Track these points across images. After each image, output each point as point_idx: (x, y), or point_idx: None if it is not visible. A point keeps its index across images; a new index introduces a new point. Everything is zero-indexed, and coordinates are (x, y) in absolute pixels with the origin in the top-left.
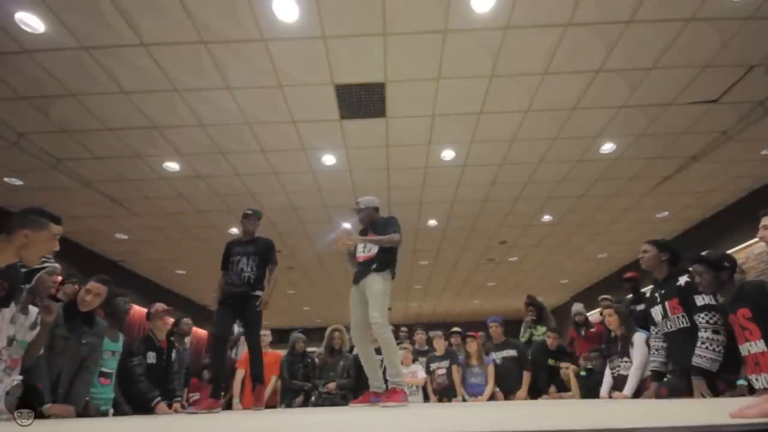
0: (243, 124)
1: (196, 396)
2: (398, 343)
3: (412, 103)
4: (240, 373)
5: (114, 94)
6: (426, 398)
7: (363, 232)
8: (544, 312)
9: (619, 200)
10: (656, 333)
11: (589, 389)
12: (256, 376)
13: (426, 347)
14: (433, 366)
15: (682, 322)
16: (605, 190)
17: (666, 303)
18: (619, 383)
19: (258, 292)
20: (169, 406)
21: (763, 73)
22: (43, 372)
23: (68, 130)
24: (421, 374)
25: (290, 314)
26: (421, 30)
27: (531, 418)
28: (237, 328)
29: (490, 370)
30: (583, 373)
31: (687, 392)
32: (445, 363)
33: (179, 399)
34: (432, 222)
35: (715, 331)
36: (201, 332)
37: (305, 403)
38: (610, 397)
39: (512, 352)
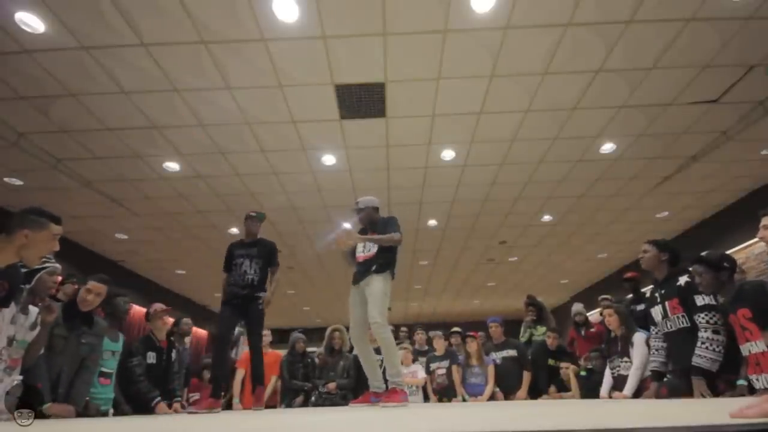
0: (243, 124)
1: (196, 396)
2: (398, 343)
3: (412, 103)
4: (240, 373)
5: (114, 94)
6: (426, 398)
7: (362, 232)
8: (544, 312)
9: (619, 200)
10: (656, 333)
11: (589, 389)
12: (257, 376)
13: (426, 347)
14: (433, 366)
15: (682, 322)
16: (605, 190)
17: (666, 303)
18: (619, 383)
19: (261, 294)
20: (169, 406)
21: (763, 73)
22: (42, 372)
23: (68, 130)
24: (421, 374)
25: (290, 314)
26: (421, 30)
27: (531, 418)
28: (237, 329)
29: (490, 370)
30: (583, 373)
31: (687, 392)
32: (445, 363)
33: (179, 399)
34: (432, 222)
35: (715, 331)
36: (201, 332)
37: (305, 403)
38: (610, 397)
39: (512, 352)
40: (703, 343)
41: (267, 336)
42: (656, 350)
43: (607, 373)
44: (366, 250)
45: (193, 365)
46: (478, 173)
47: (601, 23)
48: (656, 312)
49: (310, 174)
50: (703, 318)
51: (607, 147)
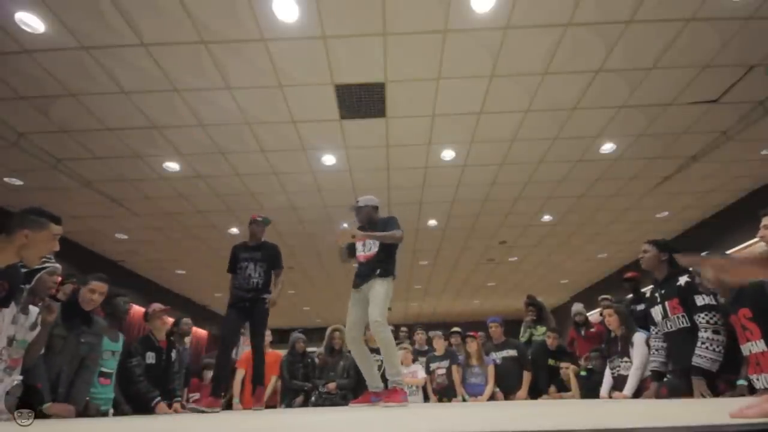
0: (243, 124)
1: (196, 396)
2: (398, 343)
3: (412, 103)
4: (240, 373)
5: (114, 94)
6: (426, 398)
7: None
8: (544, 312)
9: (619, 200)
10: (656, 333)
11: (589, 389)
12: (258, 376)
13: (426, 347)
14: (433, 366)
15: (682, 322)
16: (605, 190)
17: (666, 303)
18: (619, 383)
19: (266, 296)
20: (169, 406)
21: (763, 73)
22: (42, 372)
23: (68, 130)
24: (421, 374)
25: (290, 314)
26: (421, 30)
27: (531, 418)
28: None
29: (490, 370)
30: (583, 373)
31: (687, 392)
32: (445, 363)
33: (179, 399)
34: (432, 222)
35: (715, 331)
36: (201, 332)
37: (305, 403)
38: (610, 397)
39: (512, 352)
40: (703, 343)
41: (267, 336)
42: (656, 350)
43: (607, 373)
44: (367, 249)
45: (193, 365)
46: (478, 173)
47: (601, 23)
48: (656, 312)
49: (310, 174)
50: (703, 318)
51: (607, 147)
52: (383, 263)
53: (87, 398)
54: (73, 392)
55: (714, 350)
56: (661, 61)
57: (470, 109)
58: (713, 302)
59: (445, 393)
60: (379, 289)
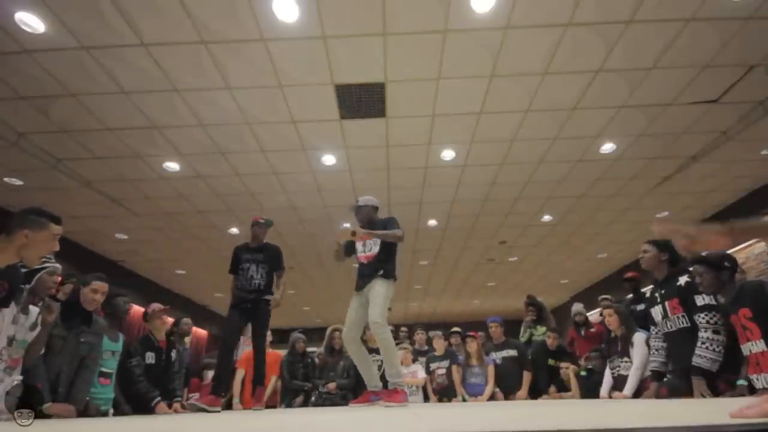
0: (243, 124)
1: (195, 396)
2: (398, 343)
3: (412, 103)
4: (240, 373)
5: (114, 94)
6: (426, 398)
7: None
8: (544, 312)
9: (619, 200)
10: (656, 333)
11: (589, 389)
12: (258, 377)
13: (426, 347)
14: (433, 366)
15: (682, 322)
16: (605, 190)
17: (666, 303)
18: (619, 383)
19: (268, 297)
20: (169, 406)
21: (763, 73)
22: (42, 372)
23: (68, 130)
24: (421, 374)
25: (290, 314)
26: (421, 30)
27: (531, 418)
28: None
29: (490, 370)
30: (583, 373)
31: (687, 392)
32: (445, 363)
33: (179, 399)
34: (432, 222)
35: (715, 331)
36: (201, 332)
37: (305, 403)
38: (610, 397)
39: (512, 352)
40: (703, 343)
41: (267, 336)
42: (656, 350)
43: (607, 373)
44: (367, 249)
45: (193, 365)
46: (478, 173)
47: (601, 23)
48: (656, 312)
49: (310, 174)
50: (703, 318)
51: (607, 147)
52: (384, 263)
53: (87, 398)
54: (73, 392)
55: (714, 350)
56: (661, 61)
57: (470, 109)
58: (713, 302)
59: (445, 393)
60: (379, 289)
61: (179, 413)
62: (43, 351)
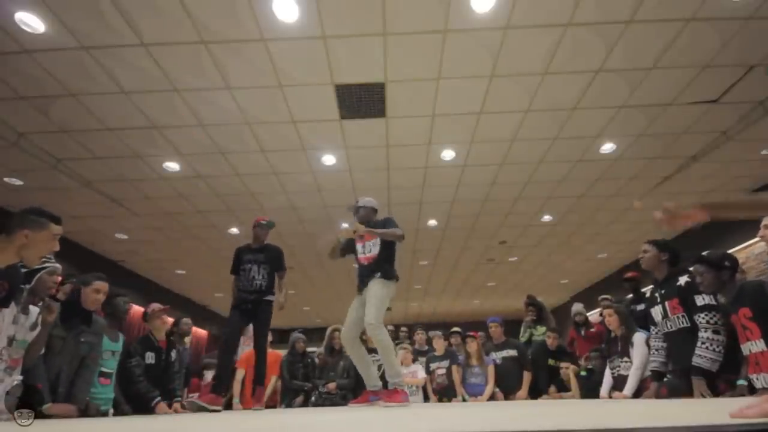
0: (243, 124)
1: (195, 396)
2: (398, 343)
3: (412, 103)
4: (240, 373)
5: (114, 94)
6: (426, 398)
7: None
8: (544, 312)
9: (619, 200)
10: (656, 333)
11: (589, 389)
12: (259, 376)
13: (426, 347)
14: (432, 366)
15: (682, 322)
16: (605, 190)
17: (666, 303)
18: (619, 383)
19: (269, 297)
20: (169, 406)
21: (763, 73)
22: (42, 372)
23: (68, 130)
24: (421, 374)
25: (290, 314)
26: (421, 30)
27: (531, 418)
28: None
29: (490, 370)
30: (583, 373)
31: (687, 392)
32: (445, 363)
33: (179, 399)
34: (432, 222)
35: (715, 331)
36: (201, 332)
37: (305, 403)
38: (610, 397)
39: (512, 352)
40: (703, 343)
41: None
42: (656, 350)
43: (607, 373)
44: (367, 250)
45: (193, 365)
46: (478, 173)
47: (601, 23)
48: (656, 312)
49: (310, 174)
50: (703, 318)
51: (607, 147)
52: (383, 264)
53: (87, 398)
54: (74, 391)
55: (714, 350)
56: (661, 61)
57: (470, 109)
58: (713, 302)
59: (445, 393)
60: (376, 290)
61: (179, 413)
62: (43, 351)
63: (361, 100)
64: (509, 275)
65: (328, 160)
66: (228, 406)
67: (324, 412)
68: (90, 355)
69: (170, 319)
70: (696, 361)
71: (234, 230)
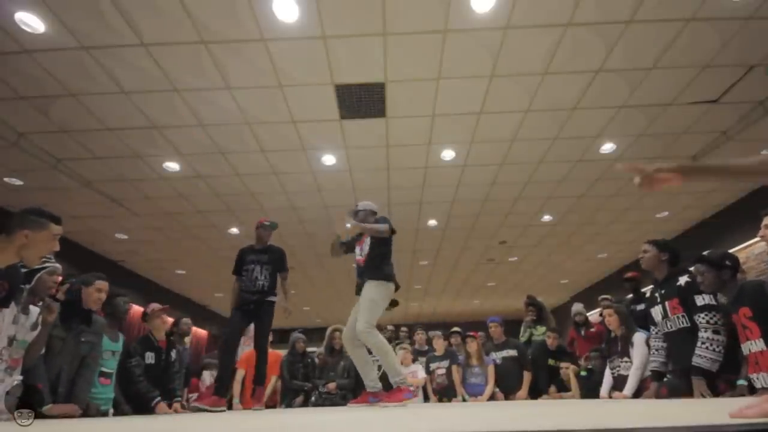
0: (243, 124)
1: (195, 396)
2: (398, 343)
3: (412, 103)
4: (240, 373)
5: (114, 94)
6: (426, 398)
7: (358, 236)
8: (544, 312)
9: (619, 200)
10: (656, 333)
11: (589, 389)
12: (259, 377)
13: (426, 347)
14: (432, 366)
15: (682, 322)
16: (605, 190)
17: (666, 303)
18: (619, 383)
19: (271, 298)
20: (169, 406)
21: (763, 73)
22: (42, 372)
23: (68, 130)
24: (421, 374)
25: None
26: (421, 30)
27: (531, 418)
28: None
29: (490, 370)
30: (583, 373)
31: (687, 392)
32: (445, 363)
33: (179, 399)
34: (432, 222)
35: (715, 331)
36: (201, 332)
37: (305, 403)
38: (610, 397)
39: (512, 352)
40: (703, 343)
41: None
42: (656, 350)
43: (607, 373)
44: (363, 252)
45: (193, 365)
46: (478, 173)
47: (601, 23)
48: (656, 312)
49: (310, 174)
50: (703, 318)
51: (607, 147)
52: (376, 263)
53: (87, 398)
54: (75, 391)
55: (714, 350)
56: (661, 61)
57: (470, 109)
58: (713, 302)
59: (445, 393)
60: (368, 293)
61: (179, 413)
62: (43, 351)
63: (361, 100)
64: (509, 275)
65: (328, 160)
66: (228, 406)
67: (324, 412)
68: (90, 354)
69: (170, 319)
70: (696, 361)
71: (234, 230)
